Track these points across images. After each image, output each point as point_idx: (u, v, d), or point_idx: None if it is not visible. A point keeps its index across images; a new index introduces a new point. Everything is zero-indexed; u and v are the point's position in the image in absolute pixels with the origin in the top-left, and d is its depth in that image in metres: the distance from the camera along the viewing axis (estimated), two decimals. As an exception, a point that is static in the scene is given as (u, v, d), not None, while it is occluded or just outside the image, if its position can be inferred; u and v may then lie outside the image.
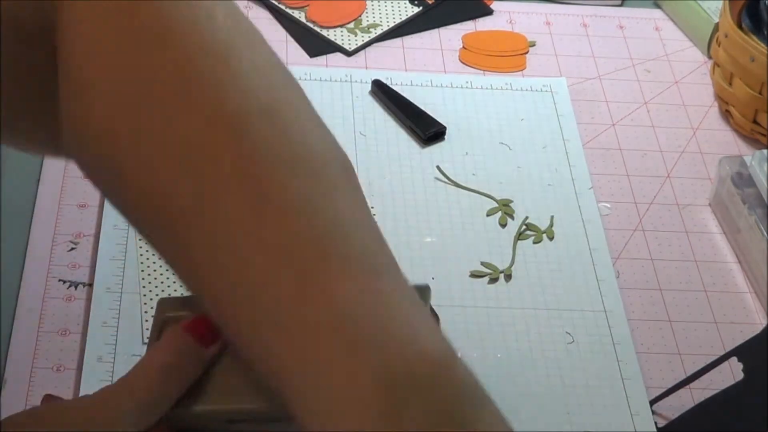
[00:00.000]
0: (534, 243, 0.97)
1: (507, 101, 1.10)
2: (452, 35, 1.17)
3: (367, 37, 1.14)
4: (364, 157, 1.02)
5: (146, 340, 0.85)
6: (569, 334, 0.91)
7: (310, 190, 0.56)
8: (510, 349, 0.89)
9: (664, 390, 0.87)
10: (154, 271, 0.90)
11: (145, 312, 0.87)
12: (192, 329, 0.61)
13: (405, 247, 0.94)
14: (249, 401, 0.60)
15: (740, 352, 0.84)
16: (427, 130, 1.04)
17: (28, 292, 0.88)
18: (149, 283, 0.89)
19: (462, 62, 1.14)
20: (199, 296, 0.59)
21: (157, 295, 0.88)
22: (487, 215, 0.99)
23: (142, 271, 0.90)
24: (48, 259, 0.91)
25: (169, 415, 0.59)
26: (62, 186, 0.96)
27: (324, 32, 1.14)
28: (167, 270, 0.89)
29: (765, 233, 0.95)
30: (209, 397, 0.60)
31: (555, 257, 0.96)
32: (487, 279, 0.94)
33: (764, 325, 0.88)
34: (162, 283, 0.89)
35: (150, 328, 0.63)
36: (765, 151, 0.99)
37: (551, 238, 0.98)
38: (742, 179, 0.99)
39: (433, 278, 0.93)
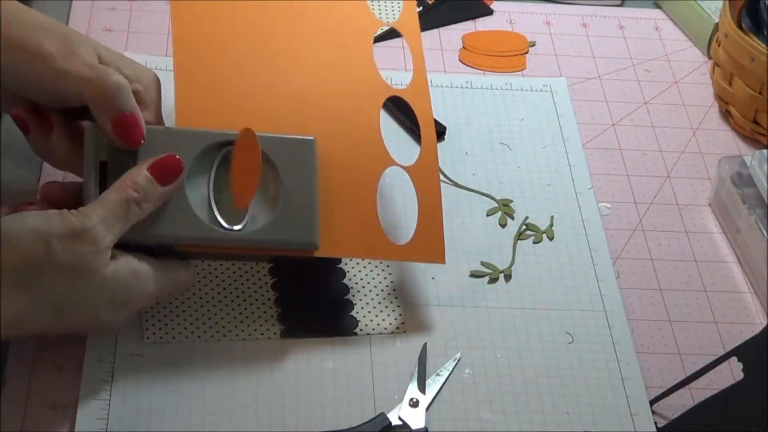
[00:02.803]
0: (534, 243, 0.97)
1: (507, 101, 1.10)
2: (452, 35, 1.17)
3: (367, 37, 1.14)
4: (364, 157, 1.02)
5: (147, 339, 0.85)
6: (569, 334, 0.91)
7: None
8: (510, 349, 0.89)
9: (664, 390, 0.87)
10: (154, 271, 0.90)
11: (146, 312, 0.87)
12: (155, 169, 0.79)
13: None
14: (184, 230, 0.80)
15: (740, 352, 0.84)
16: (427, 130, 1.04)
17: (28, 292, 0.88)
18: (149, 283, 0.89)
19: (462, 62, 1.14)
20: None
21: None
22: (487, 215, 0.99)
23: (142, 271, 0.90)
24: (48, 259, 0.91)
25: (126, 237, 0.78)
26: (62, 186, 0.96)
27: (324, 32, 1.14)
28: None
29: (765, 233, 0.95)
30: (154, 223, 0.79)
31: (555, 257, 0.96)
32: (487, 279, 0.94)
33: (764, 325, 0.88)
34: (162, 283, 0.89)
35: (84, 152, 0.81)
36: (765, 151, 0.99)
37: (551, 238, 0.98)
38: (742, 179, 0.99)
39: (433, 278, 0.93)
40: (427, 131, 0.91)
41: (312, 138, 0.85)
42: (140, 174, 0.79)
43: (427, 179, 0.89)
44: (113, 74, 0.81)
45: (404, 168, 0.89)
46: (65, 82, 0.81)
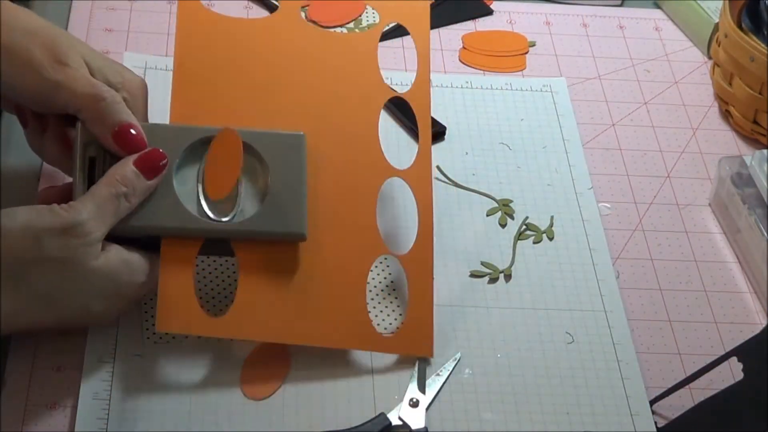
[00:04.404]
0: (534, 243, 0.97)
1: (507, 101, 1.10)
2: (452, 35, 1.17)
3: (367, 37, 1.14)
4: (364, 157, 1.02)
5: (147, 339, 0.85)
6: (569, 334, 0.91)
7: None
8: (510, 349, 0.89)
9: (664, 390, 0.87)
10: (154, 271, 0.90)
11: (145, 312, 0.87)
12: (141, 164, 0.81)
13: (405, 247, 0.94)
14: (169, 222, 0.81)
15: (740, 352, 0.84)
16: (427, 130, 1.04)
17: (28, 292, 0.88)
18: (149, 283, 0.89)
19: (462, 62, 1.14)
20: None
21: (157, 295, 0.88)
22: (487, 215, 0.99)
23: (142, 271, 0.90)
24: (48, 259, 0.91)
25: (114, 228, 0.80)
26: (62, 186, 0.96)
27: (324, 32, 1.14)
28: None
29: (765, 233, 0.95)
30: (143, 215, 0.81)
31: (555, 257, 0.96)
32: (487, 279, 0.94)
33: (764, 325, 0.88)
34: (162, 283, 0.89)
35: (74, 148, 0.82)
36: (765, 151, 0.99)
37: (551, 238, 0.98)
38: (742, 179, 0.99)
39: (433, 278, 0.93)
40: (425, 213, 0.90)
41: (301, 133, 0.86)
42: (127, 168, 0.80)
43: (420, 267, 0.88)
44: (105, 90, 0.82)
45: (397, 257, 0.88)
46: (57, 93, 0.82)
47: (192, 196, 0.83)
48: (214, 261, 0.90)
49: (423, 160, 0.92)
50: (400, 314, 0.88)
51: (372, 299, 0.89)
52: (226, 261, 0.90)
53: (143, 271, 0.81)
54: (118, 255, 0.80)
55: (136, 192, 0.81)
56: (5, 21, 0.83)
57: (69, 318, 0.81)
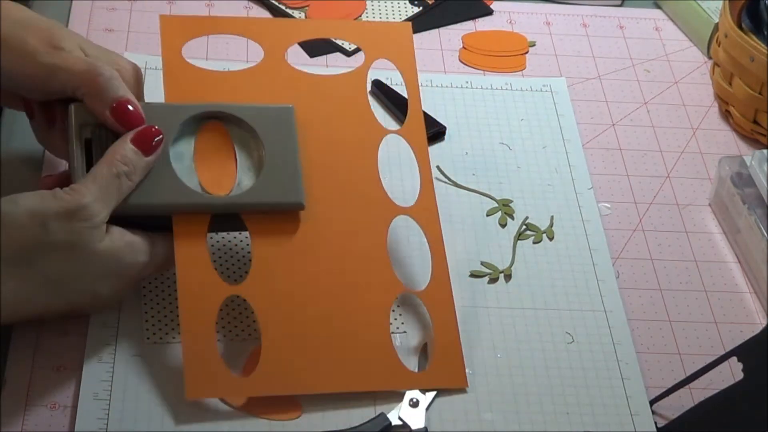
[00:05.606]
0: (534, 243, 0.97)
1: (507, 101, 1.10)
2: (452, 35, 1.17)
3: (367, 37, 1.14)
4: (364, 157, 1.02)
5: (147, 339, 0.85)
6: (569, 334, 0.91)
7: None
8: (510, 349, 0.89)
9: (664, 390, 0.87)
10: (154, 271, 0.90)
11: (146, 312, 0.87)
12: (138, 141, 0.81)
13: (405, 246, 0.94)
14: (170, 198, 0.82)
15: (740, 352, 0.84)
16: (427, 130, 1.04)
17: (28, 292, 0.88)
18: (149, 283, 0.89)
19: (462, 62, 1.14)
20: None
21: (157, 295, 0.88)
22: (487, 215, 0.99)
23: (142, 271, 0.90)
24: (48, 259, 0.91)
25: (118, 210, 0.80)
26: (62, 186, 0.96)
27: (324, 32, 1.14)
28: (166, 271, 0.89)
29: (765, 233, 0.95)
30: (142, 193, 0.81)
31: (555, 257, 0.96)
32: (487, 279, 0.94)
33: (764, 325, 0.88)
34: (162, 283, 0.89)
35: (69, 132, 0.82)
36: (765, 151, 0.99)
37: (551, 238, 0.98)
38: (742, 179, 0.99)
39: (433, 278, 0.93)
40: (437, 252, 0.90)
41: (290, 106, 0.87)
42: (126, 147, 0.81)
43: (441, 301, 0.88)
44: (102, 66, 0.83)
45: (416, 293, 0.88)
46: (54, 75, 0.83)
47: (190, 173, 0.84)
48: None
49: (427, 195, 0.92)
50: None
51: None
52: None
53: (146, 251, 0.82)
54: (121, 236, 0.80)
55: (136, 170, 0.81)
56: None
57: (76, 302, 0.81)
